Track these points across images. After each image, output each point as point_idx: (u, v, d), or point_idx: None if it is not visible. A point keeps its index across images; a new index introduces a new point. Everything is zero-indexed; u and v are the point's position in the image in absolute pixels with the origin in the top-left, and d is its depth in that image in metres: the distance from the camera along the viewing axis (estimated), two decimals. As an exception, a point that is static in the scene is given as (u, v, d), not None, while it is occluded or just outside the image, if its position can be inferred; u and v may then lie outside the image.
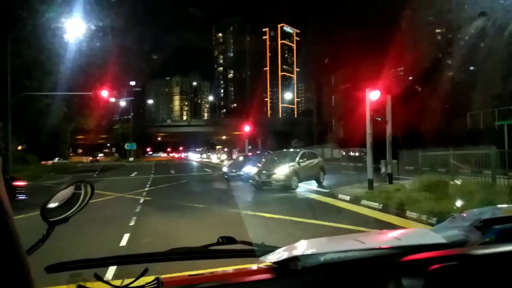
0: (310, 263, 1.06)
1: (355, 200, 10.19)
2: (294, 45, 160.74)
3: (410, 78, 35.99)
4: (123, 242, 6.23)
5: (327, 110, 54.96)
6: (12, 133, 21.23)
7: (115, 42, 31.52)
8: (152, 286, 1.07)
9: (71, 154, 60.88)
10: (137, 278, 1.08)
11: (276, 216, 8.26)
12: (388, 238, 1.37)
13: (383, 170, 13.63)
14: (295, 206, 10.25)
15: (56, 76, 24.24)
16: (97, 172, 27.80)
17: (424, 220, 7.39)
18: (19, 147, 31.76)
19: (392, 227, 6.97)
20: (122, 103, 43.42)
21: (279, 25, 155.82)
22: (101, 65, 29.64)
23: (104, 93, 21.89)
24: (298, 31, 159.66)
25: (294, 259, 1.07)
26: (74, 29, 21.96)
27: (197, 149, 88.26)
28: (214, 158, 55.52)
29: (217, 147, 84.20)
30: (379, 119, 12.19)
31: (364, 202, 9.80)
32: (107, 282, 1.06)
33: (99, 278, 1.08)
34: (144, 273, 1.09)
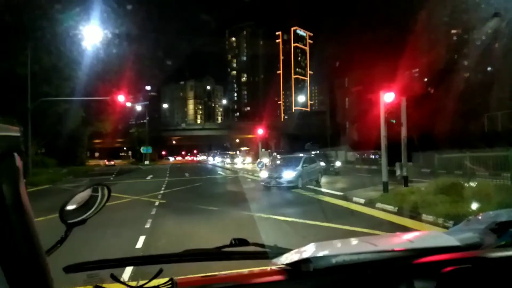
0: (322, 265, 1.06)
1: (370, 203, 10.09)
2: (307, 48, 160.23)
3: (425, 79, 35.38)
4: (139, 244, 6.33)
5: (340, 112, 54.43)
6: (31, 137, 21.85)
7: (131, 48, 32.18)
8: (167, 286, 1.10)
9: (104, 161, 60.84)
10: (151, 279, 1.11)
11: (290, 219, 8.27)
12: (401, 241, 1.36)
13: (398, 172, 13.44)
14: (308, 209, 10.22)
15: (74, 82, 24.91)
16: (113, 176, 28.26)
17: (440, 223, 7.27)
18: (38, 151, 32.55)
19: (407, 230, 6.89)
20: (138, 107, 44.07)
21: (292, 28, 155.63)
22: (117, 70, 30.29)
23: (121, 98, 22.35)
24: (311, 34, 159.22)
25: (306, 261, 1.07)
26: (92, 36, 22.59)
27: (230, 152, 70.17)
28: (238, 162, 49.53)
29: (242, 148, 68.98)
30: (394, 121, 12.02)
31: (379, 205, 9.70)
32: (123, 283, 1.10)
33: (116, 278, 1.11)
34: (158, 273, 1.12)
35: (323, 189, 14.30)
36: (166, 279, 1.11)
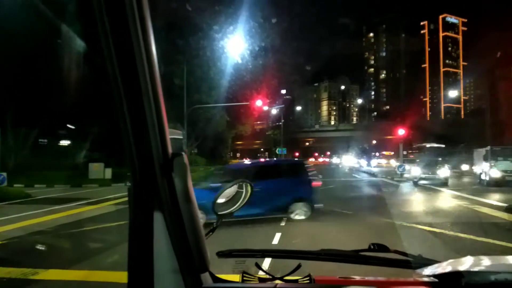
0: (477, 281, 0.93)
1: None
2: (459, 37, 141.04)
3: None
4: (275, 240, 6.68)
5: (504, 108, 45.95)
6: (187, 139, 25.50)
7: (270, 56, 34.25)
8: (305, 281, 1.14)
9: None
10: (292, 272, 1.17)
11: (438, 230, 7.35)
12: None
13: None
14: (461, 220, 8.91)
15: (219, 90, 28.01)
16: (252, 174, 30.41)
17: None
18: (192, 152, 37.63)
19: None
20: (274, 111, 46.42)
21: (440, 16, 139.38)
22: (257, 78, 32.67)
23: (259, 103, 24.03)
24: (465, 20, 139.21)
25: (458, 274, 0.96)
26: (235, 49, 25.03)
27: (386, 153, 46.79)
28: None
29: (427, 145, 42.02)
30: None
31: (560, 222, 7.78)
32: (266, 272, 1.18)
33: (260, 267, 1.21)
34: (297, 268, 1.17)
35: (479, 198, 12.31)
36: (304, 274, 1.15)
